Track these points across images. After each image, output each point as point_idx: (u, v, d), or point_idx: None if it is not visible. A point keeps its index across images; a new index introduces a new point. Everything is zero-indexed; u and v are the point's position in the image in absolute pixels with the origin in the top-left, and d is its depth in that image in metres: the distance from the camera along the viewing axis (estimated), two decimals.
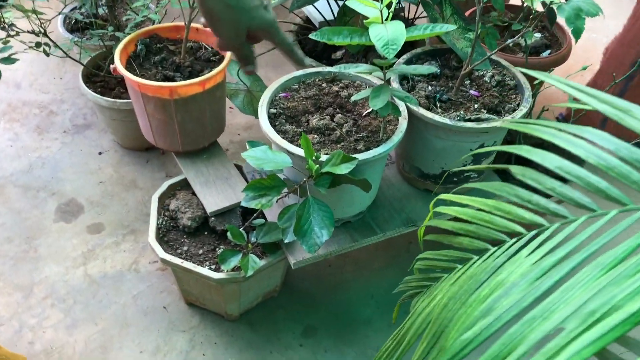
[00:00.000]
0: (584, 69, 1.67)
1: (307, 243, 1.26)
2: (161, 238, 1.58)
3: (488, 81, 1.59)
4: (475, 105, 1.51)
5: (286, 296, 1.76)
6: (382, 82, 1.34)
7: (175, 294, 1.74)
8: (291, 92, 1.52)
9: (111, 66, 1.59)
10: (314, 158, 1.27)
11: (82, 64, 2.02)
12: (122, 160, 2.13)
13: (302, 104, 1.49)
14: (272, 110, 1.46)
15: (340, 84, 1.56)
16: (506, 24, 2.11)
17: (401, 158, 1.66)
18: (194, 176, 1.68)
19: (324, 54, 2.01)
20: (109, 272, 1.79)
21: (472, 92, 1.56)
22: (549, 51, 2.18)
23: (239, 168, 1.73)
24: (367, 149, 1.37)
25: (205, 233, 1.61)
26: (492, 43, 1.66)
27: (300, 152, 1.31)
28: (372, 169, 1.41)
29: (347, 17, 1.72)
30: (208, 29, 1.74)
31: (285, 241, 1.33)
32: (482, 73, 1.61)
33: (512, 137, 1.80)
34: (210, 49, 1.72)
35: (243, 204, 1.34)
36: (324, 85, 1.55)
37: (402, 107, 1.46)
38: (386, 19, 1.23)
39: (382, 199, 1.64)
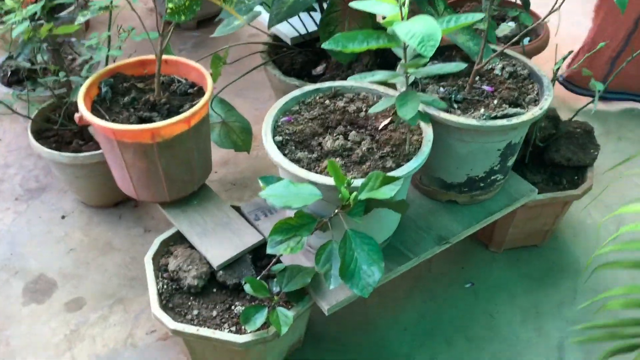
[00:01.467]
0: (570, 53, 1.57)
1: (358, 285, 1.07)
2: (165, 305, 1.35)
3: (499, 74, 1.46)
4: (495, 102, 1.37)
5: (312, 345, 1.55)
6: (405, 88, 1.17)
7: None
8: (293, 115, 1.34)
9: (75, 115, 1.36)
10: (345, 185, 1.09)
11: (30, 118, 1.76)
12: (90, 221, 1.87)
13: (308, 126, 1.31)
14: (278, 138, 1.27)
15: (345, 99, 1.38)
16: (497, 12, 1.98)
17: (419, 171, 1.49)
18: (189, 227, 1.46)
19: (302, 71, 1.84)
20: (102, 353, 1.53)
21: (485, 87, 1.42)
22: (529, 39, 2.09)
23: (237, 209, 1.52)
24: (397, 165, 1.20)
25: (214, 290, 1.39)
26: (492, 34, 1.54)
27: (327, 181, 1.12)
28: (402, 187, 1.24)
29: (331, 27, 1.55)
30: (179, 60, 1.55)
31: (331, 287, 1.13)
32: (490, 67, 1.48)
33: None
34: (184, 80, 1.51)
35: (269, 251, 1.13)
36: (327, 102, 1.37)
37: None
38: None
39: (405, 219, 1.47)
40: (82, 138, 1.81)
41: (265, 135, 1.25)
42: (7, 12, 1.64)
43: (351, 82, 1.40)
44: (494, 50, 1.46)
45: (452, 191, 1.47)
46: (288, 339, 1.44)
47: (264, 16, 1.63)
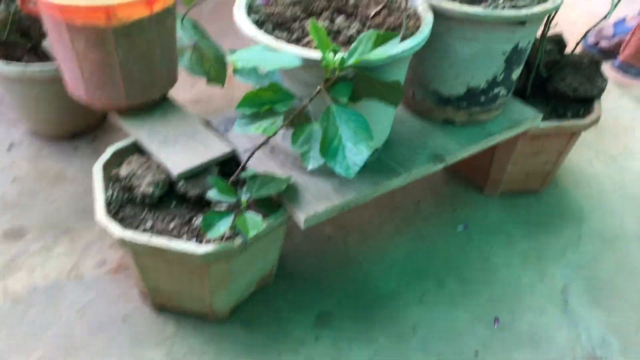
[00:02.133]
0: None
1: (342, 164, 0.89)
2: (113, 215, 1.15)
3: None
4: (500, 0, 1.21)
5: (284, 283, 1.36)
6: None
7: (137, 300, 1.30)
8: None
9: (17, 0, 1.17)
10: (331, 50, 0.91)
11: None
12: (40, 152, 1.67)
13: (289, 9, 1.13)
14: (253, 17, 1.09)
15: None
16: None
17: (412, 84, 1.33)
18: (148, 136, 1.26)
19: None
20: (40, 284, 1.32)
21: None
22: None
23: (206, 123, 1.33)
24: None
25: (174, 204, 1.19)
26: None
27: (309, 54, 0.95)
28: (396, 75, 1.07)
29: None
30: None
31: (309, 167, 0.95)
32: None
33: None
34: None
35: (236, 130, 0.95)
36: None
37: (419, 2, 1.14)
38: None
39: (396, 137, 1.30)
40: (36, 55, 1.61)
41: (238, 9, 1.07)
42: None
43: None
44: None
45: (449, 107, 1.30)
46: (258, 266, 1.24)
47: None
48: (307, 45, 1.03)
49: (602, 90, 1.50)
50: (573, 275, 1.42)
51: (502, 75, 1.25)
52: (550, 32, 1.50)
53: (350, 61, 0.89)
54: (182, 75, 1.47)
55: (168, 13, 1.24)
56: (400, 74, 1.08)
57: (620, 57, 2.14)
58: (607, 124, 1.90)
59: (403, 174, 1.20)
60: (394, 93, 1.00)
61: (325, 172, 1.18)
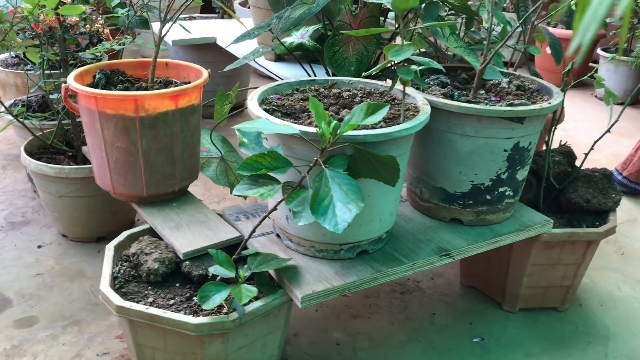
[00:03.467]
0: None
1: (331, 221, 0.91)
2: (117, 289, 1.17)
3: (506, 87, 1.39)
4: (500, 104, 1.29)
5: None
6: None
7: None
8: (284, 96, 1.27)
9: (62, 86, 1.32)
10: (327, 122, 0.98)
11: (34, 134, 1.73)
12: (66, 252, 1.74)
13: (298, 103, 1.23)
14: (264, 107, 1.19)
15: (341, 90, 1.32)
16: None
17: (418, 182, 1.37)
18: (162, 222, 1.32)
19: None
20: None
21: (491, 97, 1.34)
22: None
23: (219, 215, 1.38)
24: None
25: (177, 285, 1.21)
26: (499, 62, 1.50)
27: (307, 128, 1.02)
28: (400, 159, 1.11)
29: (336, 47, 1.54)
30: (180, 63, 1.53)
31: (299, 224, 0.97)
32: (497, 82, 1.42)
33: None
34: (180, 83, 1.48)
35: (235, 192, 1.00)
36: (322, 90, 1.31)
37: (419, 99, 1.22)
38: None
39: (402, 232, 1.31)
40: (75, 162, 1.75)
41: (251, 100, 1.18)
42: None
43: (349, 77, 1.35)
44: (501, 72, 1.41)
45: (455, 205, 1.32)
46: (257, 354, 1.20)
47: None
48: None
49: (616, 203, 1.50)
50: None
51: (506, 174, 1.28)
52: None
53: (344, 131, 0.95)
54: (211, 189, 1.54)
55: (192, 110, 1.36)
56: (400, 160, 1.13)
57: (625, 173, 2.18)
58: (632, 249, 1.86)
59: (406, 264, 1.20)
60: (390, 171, 1.04)
61: (327, 257, 1.19)
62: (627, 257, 1.83)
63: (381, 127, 1.08)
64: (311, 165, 1.01)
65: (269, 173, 0.99)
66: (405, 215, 1.38)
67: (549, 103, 1.24)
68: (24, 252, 1.73)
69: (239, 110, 2.04)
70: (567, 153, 1.54)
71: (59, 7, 1.42)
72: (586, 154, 1.52)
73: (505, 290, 1.52)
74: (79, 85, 1.28)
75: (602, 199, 1.50)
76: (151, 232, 1.33)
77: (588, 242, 1.44)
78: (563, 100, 1.35)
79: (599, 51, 3.32)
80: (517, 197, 1.37)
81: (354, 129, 1.00)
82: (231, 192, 1.62)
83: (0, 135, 2.51)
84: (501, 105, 1.24)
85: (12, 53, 2.28)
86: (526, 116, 1.21)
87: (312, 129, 1.01)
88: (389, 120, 1.15)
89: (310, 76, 1.82)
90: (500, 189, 1.31)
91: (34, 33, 1.72)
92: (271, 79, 1.96)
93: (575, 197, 1.49)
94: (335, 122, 0.96)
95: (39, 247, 1.76)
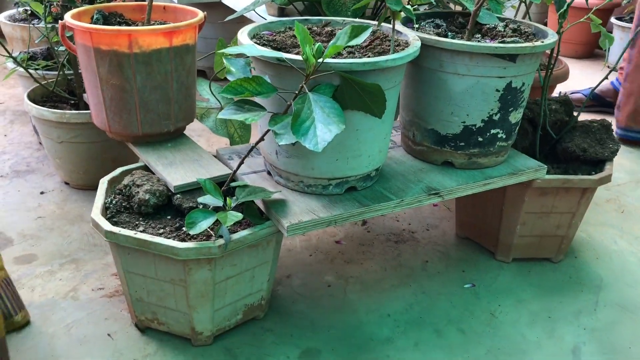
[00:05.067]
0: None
1: (312, 141, 0.92)
2: (109, 219, 1.19)
3: (502, 30, 1.38)
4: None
5: (274, 318, 1.32)
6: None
7: (125, 320, 1.29)
8: (276, 33, 1.28)
9: (59, 23, 1.33)
10: (312, 46, 0.98)
11: (37, 81, 1.75)
12: (68, 198, 1.77)
13: (290, 39, 1.23)
14: (255, 41, 1.19)
15: (334, 29, 1.32)
16: None
17: (411, 125, 1.37)
18: (156, 159, 1.34)
19: None
20: (37, 301, 1.34)
21: (487, 40, 1.34)
22: None
23: (214, 155, 1.40)
24: None
25: (168, 217, 1.23)
26: (497, 8, 1.49)
27: (291, 55, 1.02)
28: (388, 97, 1.12)
29: None
30: (177, 6, 1.54)
31: (280, 143, 0.98)
32: (493, 26, 1.41)
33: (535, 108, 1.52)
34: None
35: (220, 115, 1.01)
36: (315, 28, 1.31)
37: (411, 36, 1.22)
38: None
39: (393, 173, 1.32)
40: (77, 109, 1.78)
41: (241, 33, 1.18)
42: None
43: (343, 17, 1.35)
44: (498, 17, 1.40)
45: (447, 147, 1.32)
46: (245, 288, 1.22)
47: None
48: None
49: (613, 152, 1.48)
50: (587, 337, 1.31)
51: (499, 115, 1.28)
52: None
53: (328, 56, 0.96)
54: (213, 144, 1.56)
55: (187, 50, 1.37)
56: (388, 95, 1.13)
57: (620, 123, 2.19)
58: (633, 208, 1.84)
59: (394, 200, 1.20)
60: (376, 100, 1.05)
61: (316, 192, 1.20)
62: (627, 214, 1.81)
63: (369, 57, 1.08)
64: (296, 92, 1.02)
65: (253, 99, 1.00)
66: (398, 159, 1.39)
67: (542, 42, 1.23)
68: (27, 198, 1.76)
69: None
70: (564, 102, 1.53)
71: None
72: (584, 102, 1.51)
73: (499, 239, 1.52)
74: (75, 21, 1.29)
75: (599, 149, 1.49)
76: (145, 169, 1.35)
77: (583, 190, 1.43)
78: (558, 41, 1.34)
79: (612, 20, 3.27)
80: (510, 141, 1.36)
81: (341, 57, 1.01)
82: (231, 144, 1.65)
83: (9, 93, 2.56)
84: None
85: (19, 9, 2.31)
86: (518, 53, 1.20)
87: (298, 56, 1.02)
88: (379, 55, 1.15)
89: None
90: (493, 131, 1.30)
91: None
92: None
93: (572, 145, 1.48)
94: (319, 44, 0.96)
95: (42, 193, 1.79)
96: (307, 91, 0.99)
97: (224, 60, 1.08)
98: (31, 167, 1.94)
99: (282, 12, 2.04)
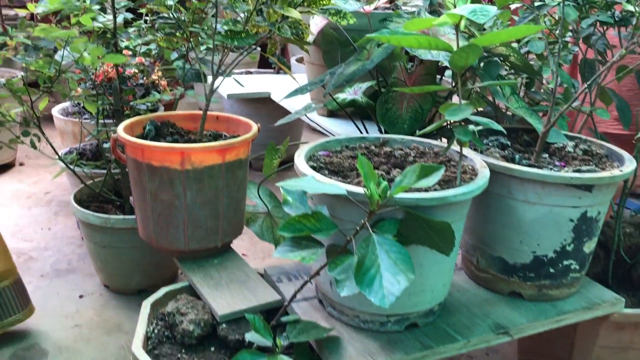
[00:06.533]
0: None
1: (378, 294, 0.83)
2: (149, 351, 1.11)
3: (572, 151, 1.30)
4: (566, 169, 1.19)
5: None
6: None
7: None
8: (333, 153, 1.22)
9: (111, 136, 1.31)
10: (376, 183, 0.92)
11: (83, 182, 1.73)
12: (107, 303, 1.70)
13: (347, 160, 1.17)
14: (312, 164, 1.13)
15: (392, 148, 1.26)
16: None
17: (475, 250, 1.27)
18: (201, 279, 1.27)
19: None
20: None
21: (555, 161, 1.25)
22: None
23: (260, 275, 1.32)
24: None
25: (212, 349, 1.14)
26: (563, 124, 1.41)
27: (354, 188, 0.95)
28: (454, 224, 1.03)
29: (389, 104, 1.49)
30: (230, 116, 1.51)
31: (342, 294, 0.89)
32: (561, 145, 1.32)
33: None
34: (230, 136, 1.45)
35: (275, 255, 0.94)
36: (373, 148, 1.25)
37: (477, 161, 1.14)
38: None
39: (456, 305, 1.21)
40: (122, 211, 1.74)
41: (298, 156, 1.13)
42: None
43: (401, 135, 1.29)
44: (566, 135, 1.32)
45: (515, 277, 1.21)
46: None
47: None
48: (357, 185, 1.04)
49: None
50: None
51: (572, 246, 1.17)
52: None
53: (395, 193, 0.89)
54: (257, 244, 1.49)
55: (240, 165, 1.32)
56: (455, 227, 1.04)
57: None
58: None
59: (460, 341, 1.09)
60: (445, 238, 0.96)
61: (373, 329, 1.10)
62: None
63: (435, 190, 1.01)
64: (357, 228, 0.94)
65: (312, 235, 0.93)
66: (460, 285, 1.28)
67: (621, 170, 1.14)
68: (66, 302, 1.70)
69: (288, 164, 2.00)
70: (638, 224, 1.42)
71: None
72: None
73: None
74: (127, 136, 1.26)
75: None
76: (190, 289, 1.28)
77: None
78: (637, 169, 1.25)
79: None
80: (584, 272, 1.25)
81: (406, 192, 0.93)
82: (275, 248, 1.57)
83: (56, 181, 2.57)
84: (567, 171, 1.14)
85: (72, 102, 2.34)
86: (595, 184, 1.11)
87: (360, 190, 0.95)
88: (444, 183, 1.07)
89: (362, 133, 1.77)
90: (565, 262, 1.19)
91: (93, 83, 1.75)
92: (323, 134, 1.92)
93: None
94: (385, 183, 0.89)
95: (81, 296, 1.74)
96: (370, 230, 0.91)
97: (281, 189, 1.02)
98: (72, 265, 1.90)
99: (331, 113, 2.02)
